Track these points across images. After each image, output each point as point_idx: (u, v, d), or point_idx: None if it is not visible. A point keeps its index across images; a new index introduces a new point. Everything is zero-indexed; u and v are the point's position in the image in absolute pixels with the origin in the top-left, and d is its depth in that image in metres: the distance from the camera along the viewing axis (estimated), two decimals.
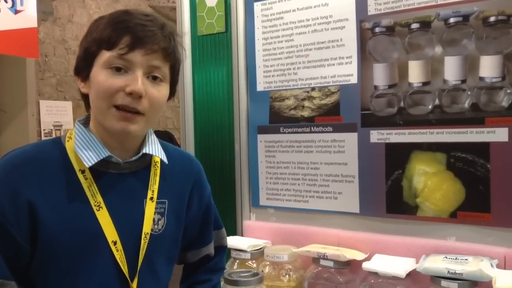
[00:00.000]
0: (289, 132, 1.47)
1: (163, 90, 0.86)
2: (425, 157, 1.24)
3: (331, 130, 1.39)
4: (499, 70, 1.13)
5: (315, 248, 1.31)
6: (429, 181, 1.23)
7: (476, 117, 1.17)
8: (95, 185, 0.84)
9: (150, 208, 0.88)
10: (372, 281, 1.20)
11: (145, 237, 0.87)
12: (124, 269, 0.84)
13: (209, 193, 1.07)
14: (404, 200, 1.27)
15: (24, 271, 0.82)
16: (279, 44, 1.47)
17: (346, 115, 1.37)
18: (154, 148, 0.91)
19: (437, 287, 1.10)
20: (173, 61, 0.88)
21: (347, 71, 1.36)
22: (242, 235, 1.54)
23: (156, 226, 0.89)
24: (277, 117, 1.49)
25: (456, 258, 1.12)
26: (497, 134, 1.14)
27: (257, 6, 1.51)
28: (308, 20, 1.41)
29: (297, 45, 1.44)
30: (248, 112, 1.56)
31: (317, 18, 1.39)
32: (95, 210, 0.83)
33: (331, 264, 1.26)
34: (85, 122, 0.90)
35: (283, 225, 1.48)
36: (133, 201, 0.87)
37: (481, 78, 1.16)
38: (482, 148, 1.16)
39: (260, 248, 1.39)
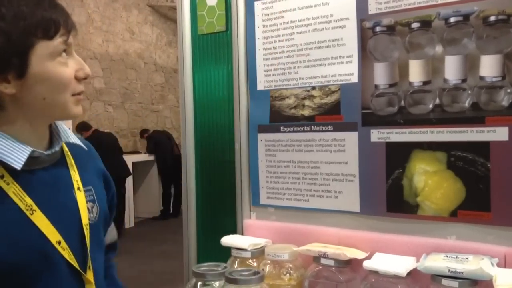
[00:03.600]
0: (289, 131, 1.47)
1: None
2: (426, 156, 1.24)
3: (332, 129, 1.40)
4: (500, 70, 1.13)
5: (315, 247, 1.31)
6: (430, 180, 1.24)
7: (476, 116, 1.17)
8: (19, 188, 0.76)
9: (81, 198, 0.85)
10: (373, 280, 1.20)
11: (86, 228, 0.84)
12: (75, 265, 0.81)
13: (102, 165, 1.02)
14: (404, 199, 1.28)
15: None
16: (279, 43, 1.47)
17: (347, 114, 1.37)
18: (70, 135, 0.88)
19: (437, 285, 1.10)
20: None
21: (347, 70, 1.36)
22: (242, 234, 1.54)
23: (92, 215, 0.87)
24: (277, 116, 1.49)
25: (456, 257, 1.12)
26: (497, 133, 1.14)
27: (257, 5, 1.51)
28: (308, 19, 1.41)
29: (297, 44, 1.44)
30: (249, 111, 1.56)
31: (318, 17, 1.39)
32: (28, 214, 0.76)
33: (331, 263, 1.27)
34: None
35: (283, 224, 1.48)
36: (63, 194, 0.83)
37: (482, 78, 1.16)
38: (483, 147, 1.16)
39: (261, 247, 1.40)
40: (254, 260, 1.39)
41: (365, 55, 1.32)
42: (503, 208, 1.13)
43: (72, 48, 0.79)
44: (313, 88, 1.43)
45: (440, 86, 1.22)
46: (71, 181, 0.85)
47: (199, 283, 1.26)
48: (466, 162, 1.19)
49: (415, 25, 1.24)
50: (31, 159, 0.78)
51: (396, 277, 1.15)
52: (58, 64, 0.76)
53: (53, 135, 0.86)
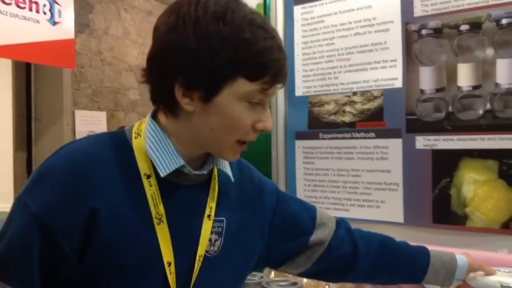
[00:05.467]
0: (328, 138, 1.43)
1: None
2: (475, 165, 1.18)
3: (374, 136, 1.35)
4: None
5: None
6: (480, 190, 1.17)
7: None
8: (158, 193, 0.72)
9: (207, 227, 0.77)
10: None
11: (199, 259, 0.76)
12: None
13: (271, 188, 0.93)
14: (452, 210, 1.21)
15: None
16: (319, 48, 1.44)
17: (390, 120, 1.32)
18: (222, 162, 0.81)
19: None
20: None
21: (391, 75, 1.31)
22: None
23: (212, 248, 0.78)
24: (316, 122, 1.46)
25: (510, 272, 1.05)
26: None
27: (297, 10, 1.49)
28: (350, 23, 1.38)
29: (338, 49, 1.41)
30: (286, 118, 1.53)
31: (360, 21, 1.36)
32: (155, 223, 0.72)
33: None
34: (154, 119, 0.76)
35: None
36: (192, 217, 0.76)
37: None
38: None
39: None
40: None
41: (410, 59, 1.28)
42: None
43: (268, 99, 0.73)
44: (354, 93, 1.38)
45: (491, 90, 1.16)
46: (205, 207, 0.79)
47: None
48: None
49: (464, 27, 1.19)
50: (179, 173, 0.74)
51: None
52: (244, 108, 0.70)
53: (209, 157, 0.80)
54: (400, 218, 1.29)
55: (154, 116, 0.76)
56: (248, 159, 1.63)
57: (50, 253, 0.67)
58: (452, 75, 1.21)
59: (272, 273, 1.35)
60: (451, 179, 1.21)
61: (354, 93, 1.38)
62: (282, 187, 1.52)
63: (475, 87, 1.18)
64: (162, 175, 0.71)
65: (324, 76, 1.44)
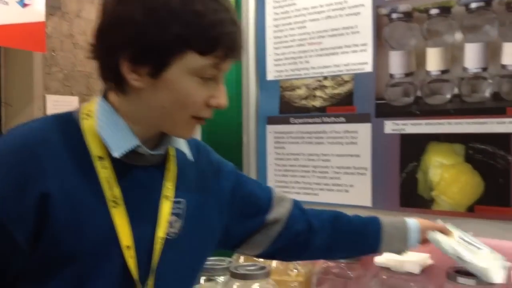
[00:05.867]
0: (299, 123, 1.42)
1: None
2: (442, 149, 1.19)
3: (344, 120, 1.34)
4: None
5: None
6: (446, 174, 1.18)
7: (497, 106, 1.12)
8: (113, 175, 0.69)
9: (165, 208, 0.75)
10: (384, 276, 1.14)
11: (160, 241, 0.74)
12: (136, 277, 0.70)
13: (229, 169, 0.91)
14: (419, 194, 1.22)
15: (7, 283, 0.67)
16: (290, 31, 1.43)
17: (360, 105, 1.32)
18: (179, 141, 0.78)
19: (453, 284, 1.04)
20: None
21: (361, 59, 1.31)
22: None
23: (172, 230, 0.76)
24: (287, 107, 1.44)
25: (470, 243, 1.00)
26: None
27: None
28: (321, 6, 1.36)
29: (309, 33, 1.39)
30: (258, 102, 1.51)
31: (331, 4, 1.34)
32: (110, 206, 0.69)
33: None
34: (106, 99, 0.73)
35: None
36: (150, 199, 0.74)
37: (504, 66, 1.10)
38: (503, 139, 1.11)
39: None
40: None
41: (380, 43, 1.27)
42: None
43: (222, 76, 0.71)
44: (325, 78, 1.37)
45: (459, 75, 1.17)
46: (162, 188, 0.76)
47: (203, 278, 1.21)
48: (485, 155, 1.13)
49: (433, 11, 1.19)
50: (135, 154, 0.71)
51: (409, 274, 1.09)
52: (196, 83, 0.67)
53: (165, 136, 0.77)
54: (368, 202, 1.30)
55: (105, 96, 0.72)
56: (218, 144, 1.61)
57: (2, 246, 0.64)
58: (421, 60, 1.21)
59: (241, 258, 1.35)
60: (418, 163, 1.22)
61: (325, 78, 1.37)
62: (253, 172, 1.51)
63: (443, 72, 1.19)
64: (116, 155, 0.68)
65: (295, 60, 1.43)
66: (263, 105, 1.50)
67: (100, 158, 0.69)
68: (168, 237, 0.75)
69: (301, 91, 1.42)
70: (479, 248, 0.99)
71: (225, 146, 1.60)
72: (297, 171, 1.43)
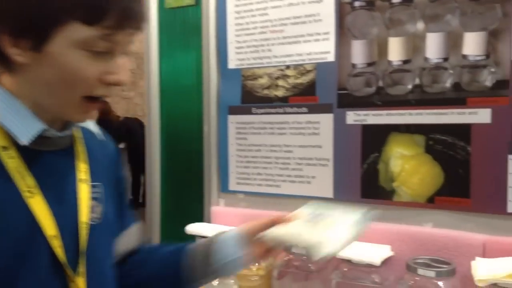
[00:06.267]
0: (261, 113, 1.39)
1: (128, 66, 0.69)
2: (403, 140, 1.18)
3: (306, 111, 1.32)
4: (483, 48, 1.07)
5: None
6: (406, 165, 1.17)
7: (457, 97, 1.11)
8: (23, 164, 0.64)
9: (84, 192, 0.71)
10: (345, 269, 1.13)
11: (85, 227, 0.70)
12: (67, 267, 0.67)
13: (119, 159, 0.88)
14: (380, 185, 1.21)
15: None
16: (252, 18, 1.38)
17: (322, 95, 1.29)
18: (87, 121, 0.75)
19: (413, 275, 1.04)
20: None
21: (324, 48, 1.28)
22: (210, 222, 1.45)
23: (93, 215, 0.73)
24: (249, 97, 1.40)
25: (319, 215, 0.85)
26: (479, 115, 1.09)
27: None
28: None
29: (271, 20, 1.35)
30: (219, 92, 1.46)
31: None
32: (25, 197, 0.64)
33: (303, 251, 1.19)
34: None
35: (253, 211, 1.40)
36: (66, 184, 0.70)
37: (464, 56, 1.10)
38: (463, 130, 1.10)
39: None
40: None
41: (343, 32, 1.25)
42: (483, 194, 1.08)
43: (123, 49, 0.65)
44: (288, 67, 1.34)
45: (421, 65, 1.15)
46: (75, 171, 0.72)
47: None
48: (445, 145, 1.13)
49: (396, 0, 1.17)
50: (41, 138, 0.66)
51: (369, 266, 1.08)
52: (84, 57, 0.61)
53: None
54: (330, 193, 1.28)
55: None
56: (178, 134, 1.56)
57: None
58: (383, 49, 1.20)
59: None
60: (379, 154, 1.21)
61: (287, 67, 1.34)
62: (214, 164, 1.47)
63: (405, 62, 1.17)
64: (25, 143, 0.64)
65: (257, 48, 1.38)
66: (225, 94, 1.45)
67: (4, 148, 0.64)
68: (92, 222, 0.72)
69: (263, 81, 1.38)
70: (327, 219, 0.82)
71: (185, 137, 1.55)
72: (259, 163, 1.40)
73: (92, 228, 0.72)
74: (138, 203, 6.76)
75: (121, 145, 6.56)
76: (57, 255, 0.65)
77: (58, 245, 0.66)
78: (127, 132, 6.57)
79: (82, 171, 0.73)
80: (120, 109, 6.90)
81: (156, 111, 1.56)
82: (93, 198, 0.73)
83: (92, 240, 0.71)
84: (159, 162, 1.56)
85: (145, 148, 1.59)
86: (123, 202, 0.88)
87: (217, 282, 1.08)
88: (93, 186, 0.74)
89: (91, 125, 0.77)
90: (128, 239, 0.87)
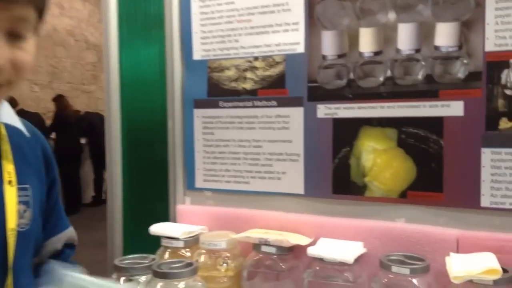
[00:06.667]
0: (229, 107, 1.33)
1: (31, 47, 0.62)
2: (375, 133, 1.15)
3: (276, 104, 1.27)
4: (456, 39, 1.05)
5: (256, 234, 1.19)
6: (378, 159, 1.15)
7: (429, 89, 1.09)
8: None
9: (11, 195, 0.66)
10: (318, 267, 1.09)
11: (12, 234, 0.65)
12: None
13: (55, 167, 0.83)
14: (351, 180, 1.18)
15: None
16: (218, 7, 1.32)
17: (292, 88, 1.24)
18: (9, 115, 0.69)
19: (386, 272, 1.01)
20: (42, 3, 0.63)
21: (293, 39, 1.23)
22: (175, 221, 1.38)
23: (22, 220, 0.67)
24: (216, 89, 1.34)
25: None
26: (451, 108, 1.07)
27: None
28: None
29: (238, 9, 1.29)
30: (183, 84, 1.39)
31: None
32: None
33: (273, 250, 1.15)
34: None
35: (221, 209, 1.34)
36: None
37: (436, 47, 1.08)
38: (436, 123, 1.08)
39: (195, 235, 1.25)
40: (188, 250, 1.24)
41: (313, 22, 1.20)
42: (456, 188, 1.06)
43: (23, 30, 0.58)
44: (256, 58, 1.28)
45: (392, 57, 1.12)
46: (1, 172, 0.66)
47: (122, 278, 1.10)
48: (417, 139, 1.10)
49: None
50: None
51: (342, 264, 1.05)
52: None
53: None
54: (300, 190, 1.24)
55: None
56: (141, 129, 1.48)
57: None
58: (354, 40, 1.16)
59: (167, 253, 1.24)
60: (351, 149, 1.17)
61: (256, 58, 1.28)
62: (179, 160, 1.40)
63: (376, 53, 1.14)
64: None
65: (223, 39, 1.32)
66: (190, 87, 1.38)
67: None
68: (20, 229, 0.66)
69: (231, 73, 1.32)
70: None
71: (148, 132, 1.47)
72: (227, 159, 1.34)
73: (20, 235, 0.66)
74: (101, 200, 6.60)
75: (83, 140, 6.37)
76: None
77: None
78: (89, 127, 6.37)
79: (9, 171, 0.67)
80: (81, 104, 6.68)
81: (117, 105, 1.47)
82: (21, 202, 0.67)
83: (20, 248, 0.66)
84: (120, 159, 1.47)
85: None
86: (56, 205, 0.82)
87: (183, 285, 1.02)
88: (20, 189, 0.68)
89: (15, 120, 0.71)
90: (55, 245, 0.83)
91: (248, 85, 1.30)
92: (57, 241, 0.83)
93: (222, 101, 1.34)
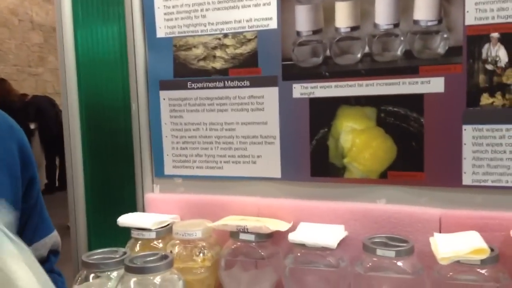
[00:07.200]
0: (198, 88, 1.25)
1: None
2: (353, 113, 1.11)
3: (248, 84, 1.20)
4: (436, 12, 1.02)
5: (233, 221, 1.13)
6: (357, 139, 1.11)
7: (409, 66, 1.06)
8: None
9: None
10: (299, 253, 1.05)
11: None
12: None
13: (34, 165, 0.78)
14: (330, 162, 1.14)
15: None
16: None
17: (265, 67, 1.18)
18: None
19: (370, 255, 0.99)
20: None
21: (265, 14, 1.16)
22: (143, 211, 1.30)
23: None
24: (183, 69, 1.26)
25: None
26: (432, 85, 1.04)
27: None
28: None
29: None
30: (147, 64, 1.29)
31: None
32: None
33: (252, 237, 1.10)
34: None
35: (193, 196, 1.27)
36: None
37: (415, 22, 1.04)
38: (416, 101, 1.05)
39: (167, 225, 1.18)
40: (160, 241, 1.17)
41: None
42: (437, 167, 1.04)
43: None
44: (225, 35, 1.21)
45: (370, 32, 1.08)
46: None
47: (91, 275, 1.01)
48: (397, 117, 1.07)
49: None
50: None
51: (325, 249, 1.01)
52: None
53: None
54: (277, 173, 1.19)
55: None
56: (101, 114, 1.38)
57: None
58: (330, 15, 1.11)
59: (138, 246, 1.17)
60: (329, 129, 1.13)
61: (225, 35, 1.21)
62: (145, 146, 1.31)
63: (353, 28, 1.09)
64: None
65: (189, 14, 1.23)
66: (154, 67, 1.29)
67: None
68: None
69: (199, 51, 1.24)
70: None
71: (110, 117, 1.37)
72: (198, 143, 1.26)
73: None
74: (55, 187, 6.33)
75: (32, 126, 6.04)
76: None
77: None
78: (37, 112, 6.04)
79: None
80: (29, 87, 6.31)
81: (74, 89, 1.36)
82: None
83: None
84: (81, 146, 1.36)
85: (58, 128, 1.39)
86: (36, 206, 0.73)
87: (161, 279, 0.95)
88: None
89: None
90: (39, 251, 0.77)
91: (218, 64, 1.23)
92: (41, 247, 0.75)
93: (190, 82, 1.25)
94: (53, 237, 0.80)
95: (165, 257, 0.98)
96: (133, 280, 0.95)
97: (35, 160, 0.73)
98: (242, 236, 1.10)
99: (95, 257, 1.04)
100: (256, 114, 1.20)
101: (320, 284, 1.03)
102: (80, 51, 1.35)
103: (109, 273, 1.01)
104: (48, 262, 0.78)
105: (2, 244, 0.52)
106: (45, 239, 0.77)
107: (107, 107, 1.36)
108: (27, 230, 0.72)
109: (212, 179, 1.26)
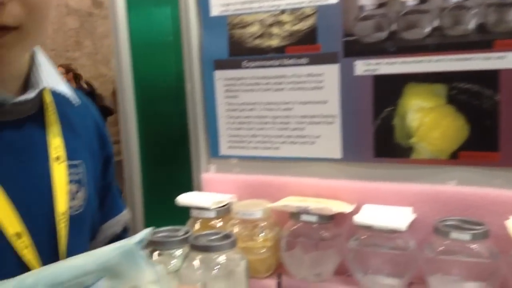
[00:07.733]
0: (254, 67, 1.22)
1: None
2: (422, 90, 1.06)
3: (307, 62, 1.16)
4: None
5: (293, 202, 1.11)
6: (426, 118, 1.06)
7: (483, 40, 0.99)
8: None
9: (59, 174, 0.57)
10: (364, 236, 1.03)
11: (63, 219, 0.56)
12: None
13: (110, 143, 0.76)
14: (395, 142, 1.10)
15: None
16: None
17: (325, 43, 1.14)
18: (57, 80, 0.59)
19: (442, 238, 0.95)
20: None
21: None
22: (200, 191, 1.30)
23: (75, 202, 0.59)
24: (238, 48, 1.23)
25: None
26: (508, 60, 0.98)
27: None
28: None
29: None
30: (201, 44, 1.27)
31: None
32: None
33: (314, 218, 1.07)
34: None
35: (249, 176, 1.25)
36: (34, 164, 0.56)
37: None
38: (490, 77, 0.99)
39: (227, 205, 1.17)
40: (220, 220, 1.16)
41: None
42: None
43: None
44: (283, 11, 1.17)
45: (439, 4, 1.02)
46: (48, 147, 0.57)
47: (156, 253, 1.01)
48: (469, 95, 1.02)
49: None
50: None
51: (393, 231, 0.98)
52: None
53: (31, 76, 0.56)
54: (337, 154, 1.16)
55: None
56: (156, 96, 1.37)
57: None
58: None
59: (197, 224, 1.16)
60: (394, 108, 1.09)
61: (282, 11, 1.17)
62: (201, 126, 1.30)
63: (421, 1, 1.04)
64: None
65: None
66: (208, 46, 1.26)
67: None
68: (72, 213, 0.58)
69: (254, 28, 1.21)
70: None
71: (165, 98, 1.36)
72: (253, 123, 1.24)
73: (73, 219, 0.58)
74: None
75: None
76: (24, 259, 0.51)
77: (25, 245, 0.51)
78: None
79: (56, 146, 0.57)
80: None
81: (128, 72, 1.35)
82: (72, 181, 0.59)
83: (73, 235, 0.57)
84: (136, 128, 1.37)
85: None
86: (112, 184, 0.73)
87: (225, 258, 0.94)
88: (71, 166, 0.59)
89: (62, 85, 0.60)
90: (113, 228, 0.76)
91: (274, 42, 1.19)
92: (115, 224, 0.75)
93: (246, 61, 1.23)
94: (126, 214, 0.81)
95: (228, 236, 0.97)
96: (198, 258, 0.94)
97: (110, 137, 0.73)
98: (303, 217, 1.08)
99: (160, 235, 1.04)
100: (315, 93, 1.16)
101: (388, 267, 1.01)
102: (133, 34, 1.34)
103: (172, 251, 1.01)
104: (121, 239, 0.78)
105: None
106: (119, 216, 0.77)
107: (161, 88, 1.35)
108: (104, 207, 0.72)
109: (268, 160, 1.24)
